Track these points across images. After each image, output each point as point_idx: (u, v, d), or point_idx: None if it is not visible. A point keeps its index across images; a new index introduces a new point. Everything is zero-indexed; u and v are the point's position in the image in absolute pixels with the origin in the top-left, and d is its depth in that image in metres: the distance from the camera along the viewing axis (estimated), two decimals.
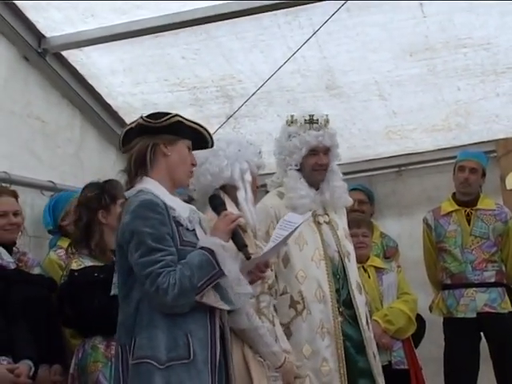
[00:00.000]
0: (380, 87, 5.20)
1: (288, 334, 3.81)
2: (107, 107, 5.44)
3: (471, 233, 5.02)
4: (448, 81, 5.09)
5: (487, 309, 4.90)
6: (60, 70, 5.08)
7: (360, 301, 4.02)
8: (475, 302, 4.91)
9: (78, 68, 5.14)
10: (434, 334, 5.11)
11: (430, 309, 5.13)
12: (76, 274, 3.79)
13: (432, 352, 5.10)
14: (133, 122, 3.03)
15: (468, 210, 5.08)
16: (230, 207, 3.35)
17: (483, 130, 5.47)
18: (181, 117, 2.98)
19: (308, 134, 3.96)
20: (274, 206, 3.96)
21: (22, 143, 4.83)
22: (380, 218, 5.77)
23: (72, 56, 5.07)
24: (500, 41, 4.76)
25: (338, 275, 3.99)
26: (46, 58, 4.96)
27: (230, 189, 3.57)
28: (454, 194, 5.16)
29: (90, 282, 3.74)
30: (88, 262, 3.81)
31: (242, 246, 2.93)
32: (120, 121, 5.49)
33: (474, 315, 4.89)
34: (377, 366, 4.01)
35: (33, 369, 3.67)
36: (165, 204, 2.85)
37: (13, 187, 4.34)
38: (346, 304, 3.97)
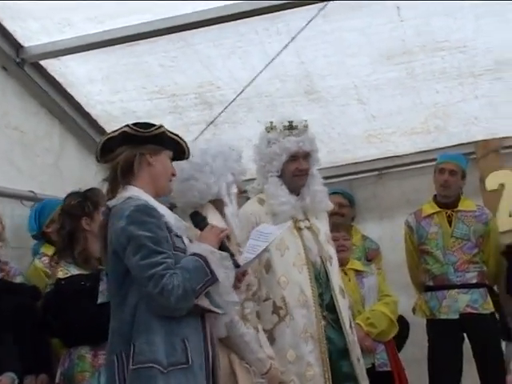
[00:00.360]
0: (358, 91, 5.22)
1: (271, 339, 3.82)
2: (86, 116, 5.42)
3: (452, 234, 5.05)
4: (426, 84, 5.12)
5: (469, 310, 4.93)
6: (38, 80, 5.06)
7: (343, 305, 4.03)
8: (457, 303, 4.94)
9: (56, 77, 5.11)
10: (418, 335, 5.13)
11: (413, 311, 5.16)
12: (63, 282, 3.80)
13: (416, 354, 5.13)
14: (114, 131, 3.03)
15: (449, 211, 5.11)
16: (217, 220, 3.41)
17: (462, 132, 5.51)
18: (165, 128, 3.02)
19: (288, 140, 3.98)
20: (255, 212, 3.97)
21: (1, 153, 4.80)
22: (361, 222, 5.80)
23: (50, 65, 5.05)
24: (477, 43, 4.79)
25: (321, 279, 4.00)
26: (24, 67, 4.94)
27: (217, 203, 3.60)
28: (435, 196, 5.19)
29: (76, 290, 3.75)
30: (74, 271, 3.82)
31: (230, 256, 2.95)
32: (100, 129, 5.46)
33: (457, 316, 4.92)
34: (361, 369, 4.02)
35: (16, 381, 3.65)
36: (156, 209, 2.88)
37: None
38: (329, 308, 3.99)
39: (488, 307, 4.95)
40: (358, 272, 4.87)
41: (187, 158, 3.17)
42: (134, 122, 3.04)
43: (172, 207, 3.51)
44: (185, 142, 3.10)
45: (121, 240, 2.82)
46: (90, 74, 5.13)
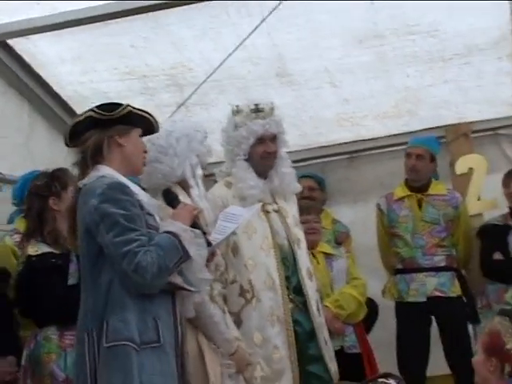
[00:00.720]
0: (331, 74, 5.21)
1: (238, 322, 3.83)
2: (56, 97, 5.37)
3: (422, 218, 5.07)
4: (397, 68, 5.13)
5: (437, 293, 4.96)
6: (6, 59, 5.00)
7: (310, 287, 4.04)
8: (425, 286, 4.97)
9: (24, 56, 5.06)
10: (387, 318, 5.16)
11: (383, 293, 5.18)
12: (34, 259, 3.78)
13: (385, 336, 5.15)
14: (80, 115, 3.03)
15: (419, 195, 5.13)
16: (186, 200, 3.38)
17: (433, 117, 5.52)
18: (131, 106, 3.00)
19: (254, 124, 3.95)
20: (222, 195, 3.96)
21: None
22: (334, 205, 5.80)
23: (18, 45, 4.99)
24: (447, 27, 4.79)
25: (288, 262, 4.00)
26: None
27: (183, 184, 3.58)
28: (406, 179, 5.20)
29: (47, 267, 3.74)
30: (45, 249, 3.80)
31: (202, 234, 2.97)
32: (70, 111, 5.42)
33: (424, 299, 4.95)
34: (328, 351, 4.04)
35: None
36: (129, 187, 2.88)
37: None
38: (296, 291, 4.00)
39: (455, 291, 4.99)
40: (327, 255, 4.87)
41: (157, 132, 3.17)
42: (99, 104, 3.01)
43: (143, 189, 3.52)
44: (152, 116, 3.09)
45: (94, 218, 2.81)
46: (60, 53, 5.08)
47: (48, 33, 4.89)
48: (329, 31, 4.89)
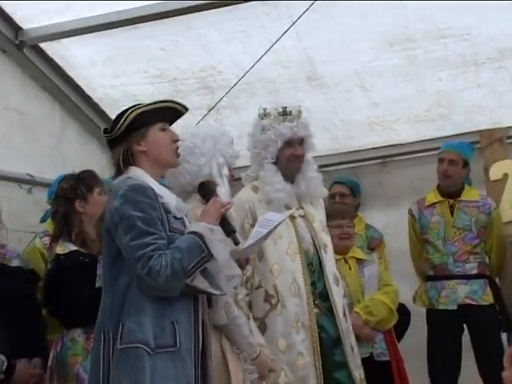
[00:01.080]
0: (361, 78, 5.15)
1: (263, 328, 3.80)
2: (87, 99, 5.40)
3: (454, 224, 5.00)
4: (429, 71, 5.04)
5: (468, 301, 4.88)
6: (38, 63, 5.05)
7: (337, 293, 3.99)
8: (456, 293, 4.89)
9: (56, 60, 5.10)
10: (419, 326, 5.08)
11: (414, 299, 5.12)
12: (62, 257, 3.80)
13: (416, 344, 5.07)
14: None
15: (451, 201, 5.05)
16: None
17: (466, 121, 5.42)
18: (140, 106, 2.94)
19: (282, 126, 3.93)
20: (249, 199, 3.94)
21: (0, 136, 4.80)
22: (366, 210, 5.74)
23: (50, 48, 5.03)
24: (480, 31, 4.71)
25: (314, 268, 3.97)
26: (23, 50, 4.93)
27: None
28: (438, 185, 5.13)
29: (75, 266, 3.76)
30: (73, 247, 3.83)
31: (230, 232, 2.94)
32: (101, 113, 5.46)
33: (455, 307, 4.88)
34: (354, 358, 3.98)
35: (5, 363, 3.65)
36: (153, 190, 2.86)
37: None
38: (322, 296, 3.95)
39: (487, 299, 4.90)
40: (359, 260, 4.81)
41: (187, 111, 3.08)
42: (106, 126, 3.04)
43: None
44: (171, 101, 3.04)
45: (114, 219, 2.81)
46: (90, 56, 5.11)
47: (78, 36, 4.92)
48: (359, 34, 4.84)
